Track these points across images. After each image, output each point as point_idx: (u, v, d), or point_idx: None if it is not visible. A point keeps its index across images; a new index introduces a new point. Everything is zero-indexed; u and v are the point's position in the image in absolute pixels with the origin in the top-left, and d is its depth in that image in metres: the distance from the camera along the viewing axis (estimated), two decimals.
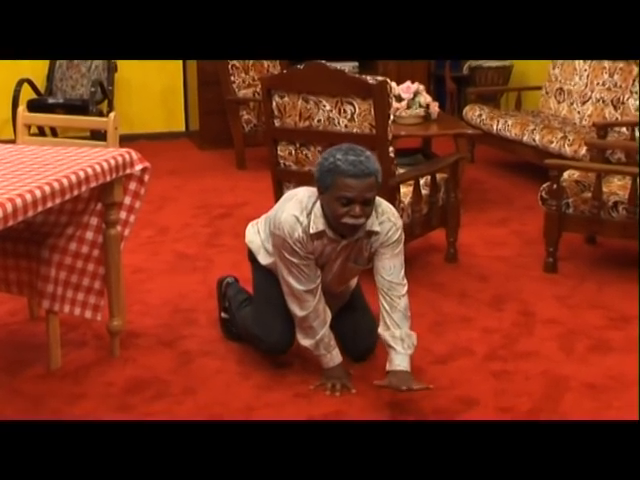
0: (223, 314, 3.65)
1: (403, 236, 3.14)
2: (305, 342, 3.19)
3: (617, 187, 4.30)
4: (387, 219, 3.09)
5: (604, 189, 4.21)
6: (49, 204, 2.81)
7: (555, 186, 4.26)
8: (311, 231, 3.02)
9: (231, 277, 3.74)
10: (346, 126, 3.95)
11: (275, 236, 3.09)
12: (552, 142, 5.58)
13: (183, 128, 7.77)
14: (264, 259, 3.33)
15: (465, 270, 4.39)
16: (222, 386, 3.25)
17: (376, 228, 3.07)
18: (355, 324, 3.38)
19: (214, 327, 3.70)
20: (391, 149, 3.96)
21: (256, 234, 3.40)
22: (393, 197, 3.97)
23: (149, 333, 3.68)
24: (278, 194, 4.32)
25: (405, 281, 3.13)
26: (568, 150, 5.42)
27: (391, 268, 3.10)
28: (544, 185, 4.36)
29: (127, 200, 3.41)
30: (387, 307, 3.09)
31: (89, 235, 3.39)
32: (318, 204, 3.05)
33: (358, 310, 3.42)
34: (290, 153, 4.18)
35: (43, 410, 3.05)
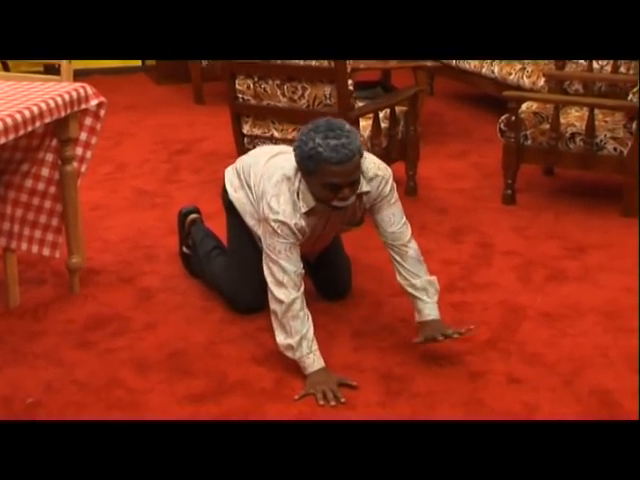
0: (185, 249, 3.62)
1: (394, 184, 3.00)
2: (287, 340, 2.83)
3: (574, 118, 4.32)
4: (374, 175, 2.94)
5: (562, 120, 4.23)
6: (2, 140, 2.76)
7: (513, 118, 4.28)
8: (302, 210, 2.86)
9: (194, 210, 3.68)
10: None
11: (274, 221, 2.84)
12: (511, 74, 5.58)
13: (139, 62, 7.64)
14: (250, 220, 3.18)
15: (424, 203, 4.41)
16: (183, 321, 3.26)
17: (366, 188, 2.92)
18: (333, 267, 3.35)
19: (175, 263, 3.69)
20: (350, 82, 3.93)
21: (241, 191, 3.20)
22: None
23: (109, 270, 3.66)
24: (237, 128, 4.30)
25: (408, 226, 3.02)
26: (526, 82, 5.42)
27: (390, 218, 2.98)
28: (502, 117, 4.37)
29: (83, 136, 3.36)
30: (397, 258, 3.00)
31: (45, 172, 3.34)
32: (303, 182, 2.86)
33: (334, 252, 3.37)
34: (248, 87, 4.14)
35: (3, 348, 3.05)
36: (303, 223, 2.87)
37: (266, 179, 2.96)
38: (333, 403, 2.72)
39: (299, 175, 2.87)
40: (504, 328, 3.19)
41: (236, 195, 3.23)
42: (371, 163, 2.98)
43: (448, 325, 2.99)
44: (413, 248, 3.02)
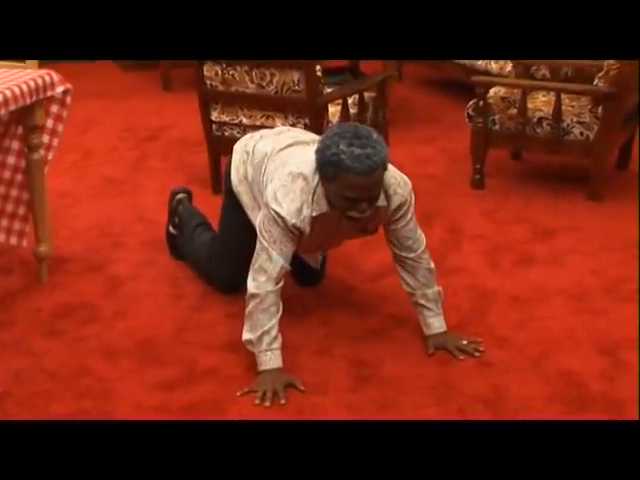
0: (171, 229, 3.60)
1: (414, 200, 2.87)
2: (249, 335, 2.79)
3: (541, 103, 4.35)
4: (394, 192, 2.79)
5: (529, 105, 4.26)
6: None
7: (481, 103, 4.30)
8: (313, 214, 2.74)
9: (184, 191, 3.66)
10: None
11: (274, 211, 2.74)
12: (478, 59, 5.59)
13: None
14: (251, 213, 3.08)
15: None
16: (153, 309, 3.25)
17: (382, 203, 2.77)
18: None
19: (144, 251, 3.67)
20: (318, 68, 3.93)
21: (245, 184, 3.08)
22: (321, 117, 3.96)
23: (77, 258, 3.64)
24: (205, 115, 4.27)
25: (422, 237, 2.94)
26: (494, 67, 5.44)
27: (408, 233, 2.89)
28: (471, 102, 4.39)
29: (49, 123, 3.33)
30: (408, 269, 2.94)
31: (11, 160, 3.31)
32: (321, 185, 2.73)
33: None
34: (216, 73, 4.12)
35: None
36: (301, 225, 2.75)
37: (280, 165, 2.84)
38: (267, 404, 2.66)
39: (316, 180, 2.73)
40: (473, 312, 3.22)
41: (240, 188, 3.10)
42: (392, 178, 2.80)
43: (458, 335, 2.99)
44: (426, 259, 2.96)
